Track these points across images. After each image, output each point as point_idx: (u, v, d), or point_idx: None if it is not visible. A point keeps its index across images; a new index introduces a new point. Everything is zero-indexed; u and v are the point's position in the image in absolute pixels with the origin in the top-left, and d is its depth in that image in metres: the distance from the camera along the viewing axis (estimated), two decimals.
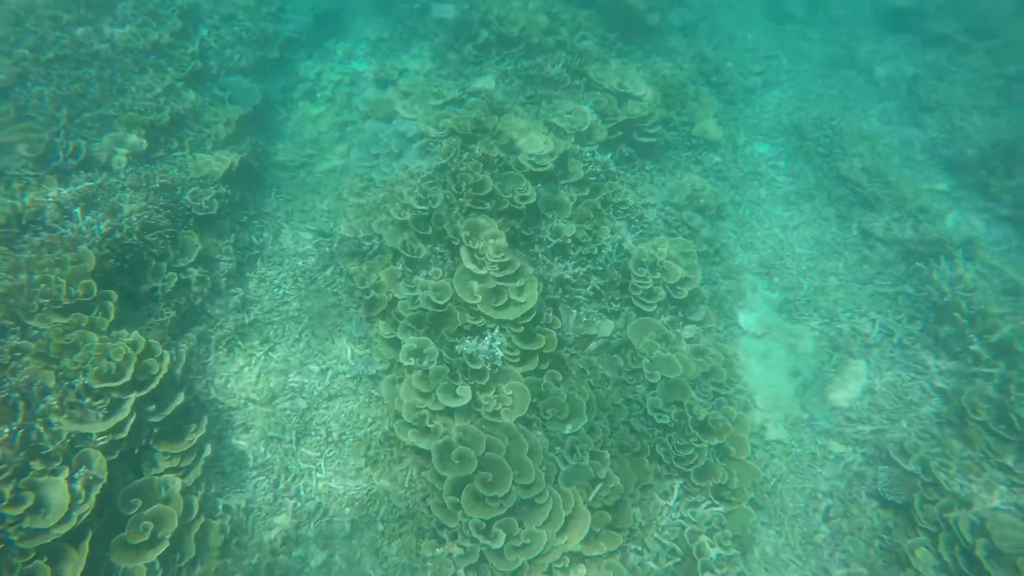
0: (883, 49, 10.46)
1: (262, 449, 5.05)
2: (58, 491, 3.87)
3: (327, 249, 6.29)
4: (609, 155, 7.10)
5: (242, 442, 5.04)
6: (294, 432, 5.15)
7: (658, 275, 6.18)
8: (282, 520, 4.70)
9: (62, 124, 5.88)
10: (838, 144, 8.47)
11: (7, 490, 3.72)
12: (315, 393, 5.40)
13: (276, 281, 6.14)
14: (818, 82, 9.97)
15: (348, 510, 4.80)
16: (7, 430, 3.85)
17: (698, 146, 8.27)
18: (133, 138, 6.26)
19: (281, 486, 4.86)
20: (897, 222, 7.31)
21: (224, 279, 5.82)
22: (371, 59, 9.21)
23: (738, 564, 4.98)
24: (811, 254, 7.57)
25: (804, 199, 8.18)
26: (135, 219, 5.29)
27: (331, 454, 5.08)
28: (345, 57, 9.25)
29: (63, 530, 3.76)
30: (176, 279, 5.41)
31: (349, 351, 5.61)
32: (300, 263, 6.32)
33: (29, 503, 3.74)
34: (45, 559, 3.71)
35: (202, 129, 6.93)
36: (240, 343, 5.60)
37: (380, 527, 4.72)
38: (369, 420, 5.24)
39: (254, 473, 4.91)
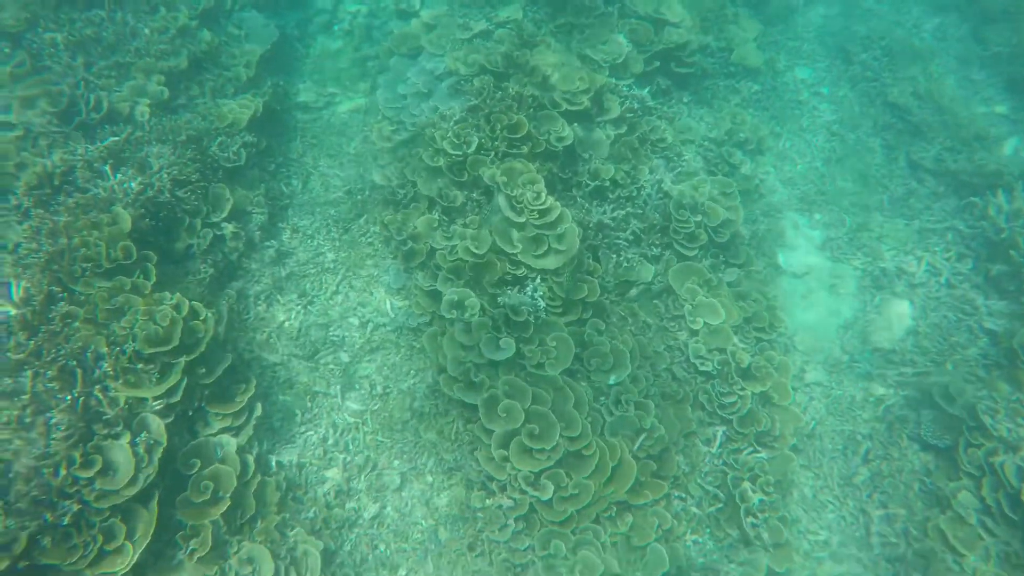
0: None
1: (308, 404, 5.13)
2: (123, 454, 3.97)
3: (359, 197, 6.16)
4: (646, 89, 6.75)
5: (288, 398, 5.12)
6: (338, 386, 5.22)
7: (699, 217, 5.99)
8: (333, 474, 4.83)
9: (80, 75, 5.66)
10: (887, 67, 7.98)
11: (77, 454, 3.83)
12: (356, 346, 5.42)
13: (309, 232, 6.06)
14: None
15: (397, 463, 4.91)
16: (69, 397, 3.91)
17: (736, 74, 7.84)
18: (153, 86, 6.04)
19: (330, 440, 4.96)
20: (949, 151, 6.95)
21: (258, 232, 5.75)
22: None
23: (779, 508, 5.07)
24: (854, 188, 7.28)
25: (848, 128, 7.78)
26: (166, 175, 5.17)
27: (376, 407, 5.15)
28: None
29: (132, 491, 3.89)
30: (211, 235, 5.36)
31: (388, 303, 5.59)
32: (332, 211, 6.21)
33: (98, 466, 3.85)
34: (119, 517, 3.87)
35: (222, 72, 6.65)
36: (279, 297, 5.59)
37: (429, 479, 4.85)
38: (412, 373, 5.27)
39: (303, 428, 5.01)
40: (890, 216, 6.93)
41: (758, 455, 5.23)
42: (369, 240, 5.95)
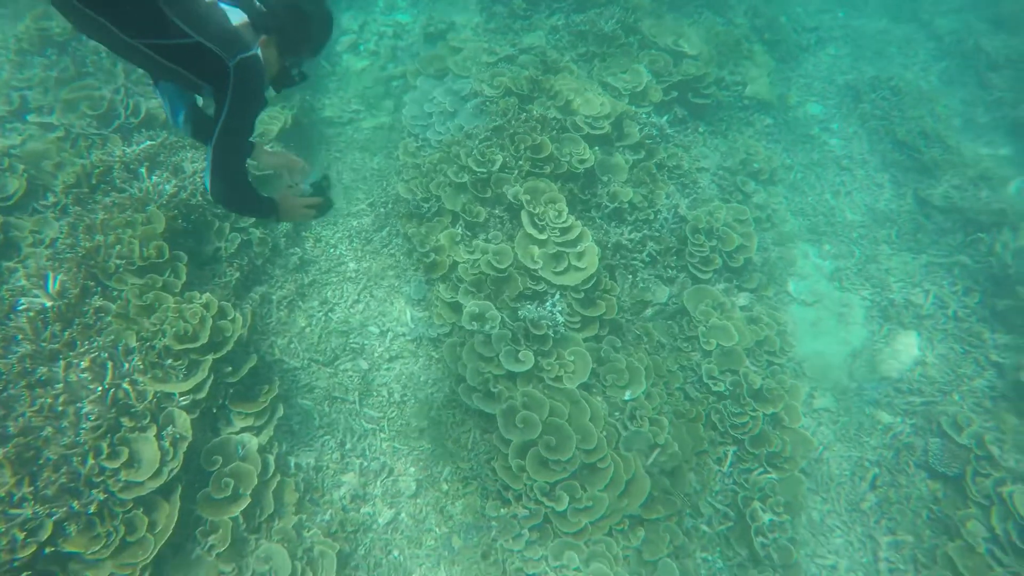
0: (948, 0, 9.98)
1: (327, 409, 5.19)
2: (149, 447, 4.03)
3: (382, 210, 6.30)
4: (665, 117, 6.96)
5: (307, 402, 5.19)
6: (357, 393, 5.28)
7: (714, 242, 6.14)
8: (350, 478, 4.88)
9: (120, 82, 5.85)
10: (896, 107, 8.23)
11: (104, 444, 3.89)
12: (376, 354, 5.51)
13: (332, 241, 6.18)
14: (875, 38, 9.58)
15: (412, 470, 4.97)
16: (100, 388, 3.98)
17: (750, 107, 8.07)
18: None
19: (348, 445, 5.02)
20: (956, 189, 7.14)
21: (283, 239, 5.87)
22: (413, 10, 8.99)
23: (788, 529, 5.11)
24: (863, 221, 7.46)
25: (857, 164, 8.00)
26: (199, 179, 5.31)
27: (393, 415, 5.22)
28: (387, 8, 9.03)
29: (156, 484, 3.94)
30: (239, 240, 5.47)
31: (408, 313, 5.69)
32: (355, 223, 6.35)
33: (124, 457, 3.91)
34: (142, 510, 3.91)
35: None
36: (301, 303, 5.69)
37: (444, 487, 4.89)
38: (430, 382, 5.35)
39: (321, 432, 5.06)
40: (898, 249, 7.09)
41: (768, 476, 5.29)
42: (391, 252, 6.07)
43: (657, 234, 6.18)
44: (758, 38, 8.77)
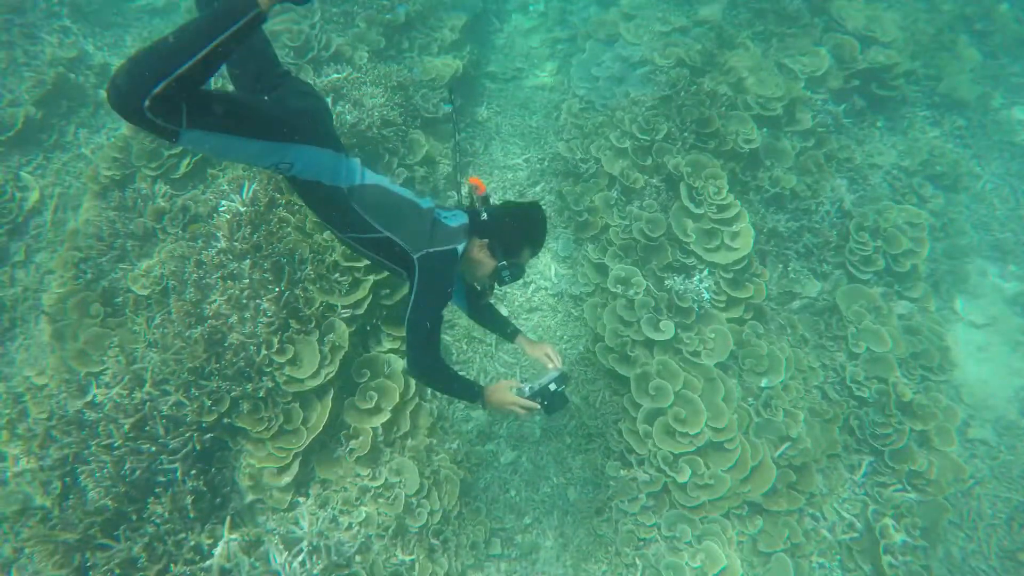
0: None
1: (465, 347, 5.42)
2: (310, 350, 4.41)
3: (538, 166, 6.41)
4: (842, 106, 6.53)
5: (448, 337, 5.44)
6: (494, 337, 5.46)
7: (879, 242, 5.74)
8: (478, 415, 5.09)
9: (317, 18, 6.30)
10: None
11: (275, 339, 4.31)
12: (516, 303, 5.66)
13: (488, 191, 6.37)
14: None
15: (538, 418, 5.09)
16: (276, 289, 4.40)
17: (940, 105, 7.37)
18: (373, 35, 6.59)
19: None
20: None
21: (443, 181, 6.13)
22: None
23: (922, 557, 4.77)
24: None
25: None
26: (376, 114, 5.65)
27: (526, 363, 5.36)
28: None
29: (314, 384, 4.32)
30: (404, 175, 5.79)
31: (553, 268, 5.79)
32: (510, 175, 6.51)
33: (289, 355, 4.31)
34: (299, 404, 4.31)
35: (429, 32, 7.14)
36: None
37: (567, 440, 4.99)
38: (566, 338, 5.44)
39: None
40: None
41: (907, 495, 4.95)
42: (543, 207, 6.16)
43: (816, 226, 5.86)
44: (966, 28, 7.94)
